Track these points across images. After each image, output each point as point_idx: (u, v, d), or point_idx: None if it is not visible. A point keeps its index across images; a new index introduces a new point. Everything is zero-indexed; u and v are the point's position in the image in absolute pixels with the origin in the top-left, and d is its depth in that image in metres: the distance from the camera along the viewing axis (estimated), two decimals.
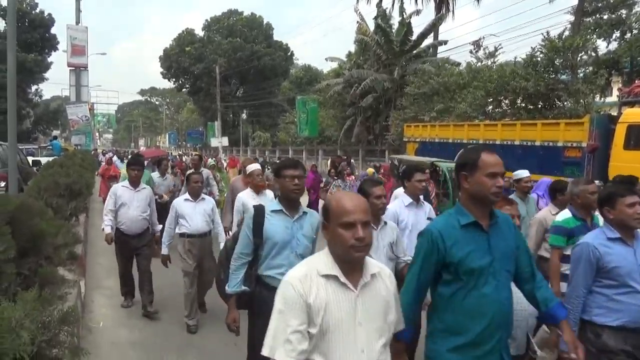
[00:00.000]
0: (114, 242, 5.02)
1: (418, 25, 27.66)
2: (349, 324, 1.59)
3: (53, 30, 30.63)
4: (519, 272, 2.10)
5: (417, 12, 24.21)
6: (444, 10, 23.84)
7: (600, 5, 19.26)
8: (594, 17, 19.52)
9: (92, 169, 12.16)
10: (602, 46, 18.45)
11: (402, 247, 3.37)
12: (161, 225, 5.06)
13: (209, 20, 45.44)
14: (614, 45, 18.22)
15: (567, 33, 15.52)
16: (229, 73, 41.65)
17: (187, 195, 4.85)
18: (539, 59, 14.64)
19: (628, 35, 17.64)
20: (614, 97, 17.60)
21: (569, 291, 2.62)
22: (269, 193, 4.82)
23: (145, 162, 7.07)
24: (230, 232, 5.41)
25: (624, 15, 18.26)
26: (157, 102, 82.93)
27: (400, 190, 4.89)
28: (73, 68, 17.64)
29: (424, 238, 2.04)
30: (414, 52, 23.99)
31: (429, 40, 24.19)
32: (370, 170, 10.41)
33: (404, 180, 3.97)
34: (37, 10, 29.75)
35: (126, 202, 5.00)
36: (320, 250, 1.78)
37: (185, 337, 4.54)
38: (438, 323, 2.02)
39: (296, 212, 2.76)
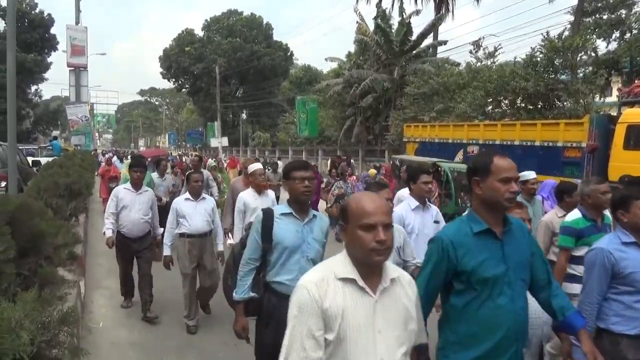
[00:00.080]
0: (114, 245, 4.96)
1: (418, 26, 27.71)
2: (368, 331, 1.51)
3: (53, 31, 30.69)
4: (534, 279, 2.02)
5: (417, 12, 24.25)
6: (443, 10, 23.86)
7: (599, 5, 19.28)
8: (593, 17, 19.53)
9: (91, 169, 12.16)
10: (601, 46, 18.49)
11: (410, 250, 3.32)
12: (162, 229, 4.98)
13: (208, 20, 45.49)
14: (613, 45, 18.25)
15: (566, 33, 15.54)
16: (228, 73, 41.66)
17: (187, 195, 4.80)
18: (538, 59, 14.66)
19: (628, 35, 17.65)
20: (613, 97, 17.62)
21: (582, 298, 2.52)
22: (270, 193, 4.80)
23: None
24: (230, 233, 5.40)
25: (623, 15, 18.28)
26: (156, 103, 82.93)
27: (403, 192, 4.85)
28: (73, 68, 17.64)
29: (435, 246, 1.96)
30: (414, 52, 24.01)
31: (428, 41, 24.21)
32: (372, 171, 10.37)
33: (409, 183, 3.88)
34: (37, 11, 29.75)
35: (128, 205, 4.93)
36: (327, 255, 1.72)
37: (185, 337, 4.54)
38: (450, 335, 1.93)
39: (306, 215, 2.67)
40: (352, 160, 18.50)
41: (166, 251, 4.68)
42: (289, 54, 45.00)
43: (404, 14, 24.01)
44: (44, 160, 13.10)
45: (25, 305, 1.66)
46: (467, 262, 1.87)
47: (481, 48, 19.16)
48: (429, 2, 24.63)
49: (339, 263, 1.59)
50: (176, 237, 4.74)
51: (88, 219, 9.10)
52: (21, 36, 24.93)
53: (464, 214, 3.39)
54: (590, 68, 15.80)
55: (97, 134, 56.63)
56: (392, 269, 1.64)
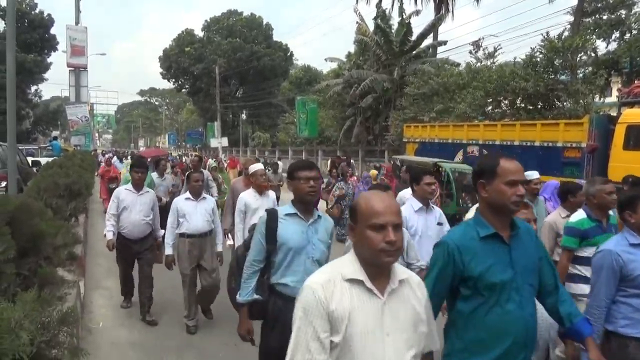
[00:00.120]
0: (114, 247, 4.92)
1: (418, 26, 27.75)
2: (376, 334, 1.47)
3: (52, 31, 30.68)
4: (542, 284, 1.98)
5: (417, 12, 24.24)
6: (443, 10, 23.86)
7: (599, 5, 19.28)
8: (593, 18, 19.53)
9: (91, 170, 12.16)
10: (601, 46, 18.49)
11: (414, 252, 3.30)
12: (163, 231, 4.94)
13: (208, 20, 45.48)
14: (613, 46, 18.24)
15: (566, 33, 15.53)
16: (228, 73, 41.66)
17: (187, 194, 4.77)
18: (538, 59, 14.65)
19: (627, 35, 17.65)
20: (613, 98, 17.61)
21: (590, 302, 2.48)
22: (271, 194, 4.79)
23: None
24: (229, 234, 5.40)
25: (623, 16, 18.27)
26: (156, 103, 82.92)
27: (405, 193, 4.81)
28: (72, 68, 17.66)
29: (440, 250, 1.92)
30: (414, 52, 24.01)
31: (428, 41, 24.21)
32: (374, 172, 10.32)
33: (412, 184, 3.83)
34: (37, 11, 29.75)
35: (128, 206, 4.89)
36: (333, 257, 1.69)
37: (184, 337, 4.54)
38: (457, 342, 1.88)
39: (311, 215, 2.63)
40: (352, 161, 18.50)
41: (168, 250, 4.64)
42: (288, 54, 45.01)
43: (403, 14, 24.00)
44: (43, 160, 13.10)
45: (25, 306, 1.66)
46: (473, 267, 1.84)
47: (481, 48, 19.15)
48: (428, 2, 24.65)
49: (347, 264, 1.56)
50: (176, 237, 4.72)
51: (88, 219, 9.10)
52: (21, 36, 24.93)
53: (467, 215, 3.35)
54: (590, 68, 15.81)
55: (96, 134, 56.63)
56: (400, 270, 1.60)
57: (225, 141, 37.33)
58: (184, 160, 19.55)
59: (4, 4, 21.88)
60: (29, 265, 2.30)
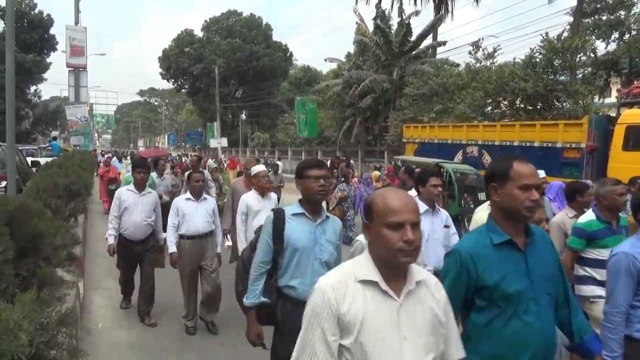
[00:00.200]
0: (117, 246, 4.87)
1: (417, 26, 27.79)
2: (393, 338, 1.39)
3: (52, 31, 30.71)
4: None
5: (416, 12, 24.24)
6: (443, 11, 23.87)
7: (599, 6, 19.29)
8: (592, 18, 19.54)
9: (90, 170, 12.14)
10: (600, 47, 18.50)
11: (420, 256, 3.26)
12: (165, 234, 4.88)
13: (208, 20, 45.49)
14: (612, 46, 18.26)
15: (566, 34, 15.53)
16: (228, 74, 41.67)
17: (188, 195, 4.72)
18: (537, 59, 14.66)
19: (627, 36, 17.67)
20: (612, 98, 17.63)
21: (608, 308, 2.37)
22: (273, 195, 4.74)
23: None
24: (229, 234, 5.38)
25: (622, 16, 18.29)
26: (156, 103, 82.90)
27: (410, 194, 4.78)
28: (72, 69, 17.63)
29: (452, 260, 1.84)
30: (413, 53, 24.02)
31: (428, 41, 24.22)
32: (376, 173, 10.28)
33: (418, 185, 3.77)
34: (36, 11, 29.76)
35: (130, 207, 4.83)
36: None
37: (184, 338, 4.53)
38: (472, 356, 1.76)
39: (319, 216, 2.57)
40: (351, 161, 18.49)
41: (172, 249, 4.54)
42: (288, 54, 45.03)
43: (403, 14, 24.02)
44: (43, 160, 13.09)
45: (24, 306, 1.65)
46: (488, 276, 1.75)
47: (480, 49, 19.15)
48: (428, 2, 24.66)
49: (360, 264, 1.49)
50: (177, 237, 4.67)
51: (87, 220, 9.10)
52: (20, 36, 24.94)
53: (475, 216, 3.27)
54: (590, 69, 15.82)
55: (96, 135, 56.62)
56: (417, 271, 1.52)
57: (224, 141, 37.32)
58: (183, 160, 19.54)
59: (3, 4, 21.87)
60: (28, 265, 2.29)
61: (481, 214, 3.47)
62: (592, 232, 3.30)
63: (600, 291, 3.23)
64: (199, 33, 45.29)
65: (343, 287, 1.42)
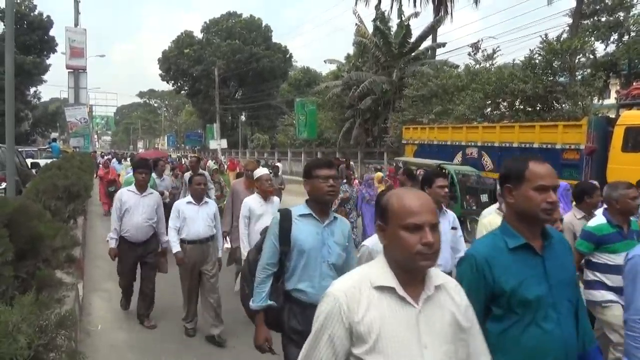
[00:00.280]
0: (117, 249, 4.82)
1: (417, 28, 27.80)
2: (412, 347, 1.32)
3: (52, 33, 30.72)
4: None
5: (416, 14, 24.27)
6: (442, 12, 23.90)
7: (598, 7, 19.33)
8: (591, 20, 19.58)
9: (90, 172, 12.14)
10: (600, 48, 18.54)
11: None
12: (167, 237, 4.80)
13: (207, 22, 45.54)
14: (611, 48, 18.31)
15: (565, 35, 15.56)
16: (227, 75, 41.71)
17: (189, 198, 4.65)
18: (537, 61, 14.68)
19: (626, 37, 17.71)
20: (612, 100, 17.66)
21: (628, 315, 2.25)
22: (276, 199, 4.71)
23: None
24: (229, 236, 5.37)
25: (621, 18, 18.33)
26: (155, 104, 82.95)
27: None
28: (72, 70, 17.65)
29: (466, 265, 1.74)
30: (413, 54, 24.03)
31: (427, 43, 24.24)
32: (379, 174, 10.23)
33: (423, 187, 3.74)
34: (36, 12, 29.77)
35: (131, 208, 4.75)
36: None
37: (183, 340, 4.53)
38: None
39: (327, 217, 2.50)
40: (351, 163, 18.50)
41: (176, 248, 4.46)
42: (287, 56, 45.10)
43: (402, 16, 24.06)
44: (42, 162, 13.09)
45: (23, 309, 1.65)
46: (504, 282, 1.66)
47: (480, 50, 19.18)
48: (427, 4, 24.70)
49: (376, 269, 1.41)
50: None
51: (87, 221, 9.09)
52: (20, 38, 24.97)
53: (484, 219, 3.18)
54: (589, 70, 15.85)
55: (95, 136, 56.59)
56: (436, 274, 1.44)
57: (224, 143, 37.35)
58: (183, 162, 19.54)
59: (3, 5, 21.88)
60: (27, 267, 2.29)
61: (489, 218, 3.42)
62: (601, 236, 3.24)
63: (611, 296, 3.20)
64: (198, 34, 45.41)
65: (357, 293, 1.36)
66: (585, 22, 19.45)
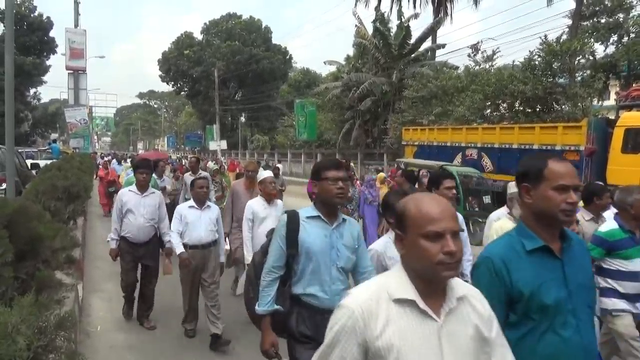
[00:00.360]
0: (118, 250, 4.78)
1: (416, 29, 27.87)
2: None
3: (52, 34, 30.67)
4: None
5: (416, 15, 24.32)
6: (442, 14, 23.94)
7: (597, 9, 19.36)
8: (591, 21, 19.62)
9: (90, 172, 12.14)
10: (599, 50, 18.60)
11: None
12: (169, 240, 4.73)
13: (207, 23, 45.60)
14: (611, 49, 18.36)
15: (565, 37, 15.59)
16: (227, 76, 41.75)
17: (191, 202, 4.56)
18: (536, 62, 14.70)
19: (625, 39, 17.76)
20: (611, 101, 17.68)
21: None
22: (280, 202, 4.68)
23: None
24: (228, 237, 5.36)
25: (621, 19, 18.38)
26: (155, 105, 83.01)
27: None
28: (71, 71, 17.68)
29: (484, 269, 1.65)
30: (412, 55, 24.06)
31: (427, 44, 24.29)
32: (381, 175, 10.23)
33: (430, 188, 3.69)
34: (36, 13, 29.76)
35: (132, 208, 4.69)
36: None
37: (183, 341, 4.51)
38: None
39: (335, 219, 2.43)
40: (351, 164, 18.49)
41: (179, 249, 4.37)
42: (287, 57, 45.14)
43: (402, 17, 24.11)
44: (42, 163, 13.10)
45: (22, 310, 1.65)
46: (522, 286, 1.58)
47: (479, 51, 19.21)
48: (427, 5, 24.76)
49: (394, 280, 1.33)
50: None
51: (86, 222, 9.08)
52: (20, 39, 24.96)
53: (494, 223, 3.11)
54: (588, 71, 15.87)
55: (95, 137, 56.56)
56: (457, 284, 1.36)
57: (224, 144, 37.37)
58: (183, 163, 19.56)
59: (3, 6, 21.89)
60: (27, 268, 2.29)
61: (500, 223, 3.35)
62: (614, 242, 3.18)
63: (623, 304, 3.14)
64: (198, 36, 45.47)
65: (374, 305, 1.28)
66: (585, 23, 19.48)
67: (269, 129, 42.79)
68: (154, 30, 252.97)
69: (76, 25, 18.96)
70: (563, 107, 14.25)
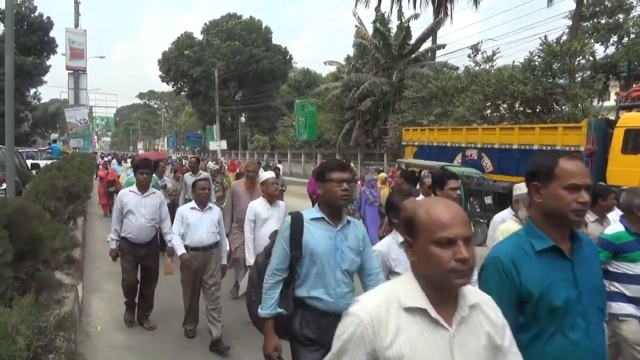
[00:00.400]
0: (119, 250, 4.77)
1: (416, 29, 27.88)
2: None
3: (52, 34, 30.68)
4: None
5: (416, 16, 24.33)
6: (442, 14, 23.95)
7: (597, 9, 19.38)
8: (591, 22, 19.64)
9: (90, 172, 12.15)
10: (599, 50, 18.61)
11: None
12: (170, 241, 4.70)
13: (207, 23, 45.61)
14: (611, 50, 18.38)
15: (564, 37, 15.59)
16: (227, 76, 41.76)
17: (192, 204, 4.53)
18: (536, 63, 14.70)
19: (625, 39, 17.77)
20: (611, 102, 17.68)
21: None
22: (282, 203, 4.67)
23: None
24: (228, 237, 5.35)
25: (621, 20, 18.39)
26: (155, 106, 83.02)
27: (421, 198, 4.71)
28: (72, 71, 17.69)
29: (492, 270, 1.61)
30: (413, 56, 24.07)
31: (427, 44, 24.30)
32: (383, 175, 10.21)
33: (435, 189, 3.67)
34: (36, 14, 29.76)
35: (133, 209, 4.67)
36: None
37: (183, 341, 4.51)
38: None
39: (340, 221, 2.40)
40: (351, 164, 18.49)
41: (180, 250, 4.34)
42: (287, 57, 45.15)
43: (402, 17, 24.11)
44: (42, 163, 13.10)
45: (22, 310, 1.65)
46: (532, 286, 1.55)
47: (479, 52, 19.21)
48: (427, 6, 24.78)
49: (404, 287, 1.29)
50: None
51: (86, 222, 9.08)
52: (20, 39, 24.95)
53: (500, 225, 3.09)
54: (588, 72, 15.87)
55: (95, 137, 56.58)
56: (469, 292, 1.32)
57: (224, 144, 37.37)
58: (183, 163, 19.56)
59: (3, 6, 21.90)
60: (27, 268, 2.29)
61: (506, 225, 3.33)
62: (620, 244, 3.14)
63: (630, 309, 3.11)
64: (198, 36, 45.47)
65: (384, 314, 1.24)
66: (585, 24, 19.50)
67: (269, 129, 42.80)
68: (154, 30, 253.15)
69: (76, 25, 18.97)
70: (563, 107, 14.25)
